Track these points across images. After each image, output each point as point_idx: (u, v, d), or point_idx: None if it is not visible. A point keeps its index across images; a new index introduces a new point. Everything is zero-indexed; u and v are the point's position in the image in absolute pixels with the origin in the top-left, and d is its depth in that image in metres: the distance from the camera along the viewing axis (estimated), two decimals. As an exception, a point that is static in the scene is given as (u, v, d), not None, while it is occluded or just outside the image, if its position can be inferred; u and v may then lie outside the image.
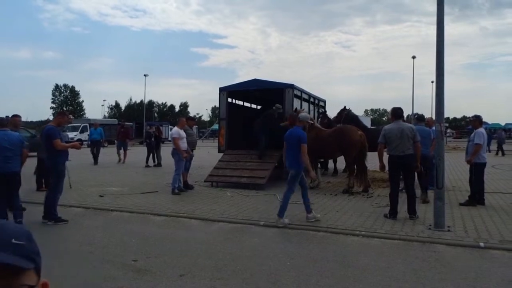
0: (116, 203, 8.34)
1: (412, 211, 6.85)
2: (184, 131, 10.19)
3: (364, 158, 9.99)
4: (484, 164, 8.13)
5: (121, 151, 17.99)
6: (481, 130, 8.12)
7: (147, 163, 16.65)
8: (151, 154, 16.98)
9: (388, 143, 6.95)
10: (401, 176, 7.14)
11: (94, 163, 16.55)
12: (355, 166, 10.05)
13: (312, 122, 10.94)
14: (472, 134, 8.24)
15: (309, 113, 13.92)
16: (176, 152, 9.67)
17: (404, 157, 6.83)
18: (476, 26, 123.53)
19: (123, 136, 18.32)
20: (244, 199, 8.80)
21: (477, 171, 8.09)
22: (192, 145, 10.57)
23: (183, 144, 9.68)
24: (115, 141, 18.62)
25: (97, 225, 6.65)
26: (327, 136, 10.27)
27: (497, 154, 24.57)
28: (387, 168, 7.30)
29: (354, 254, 5.09)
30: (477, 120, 8.39)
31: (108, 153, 19.55)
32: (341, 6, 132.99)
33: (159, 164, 16.66)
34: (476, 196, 8.05)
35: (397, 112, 7.20)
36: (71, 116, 7.62)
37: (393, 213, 6.87)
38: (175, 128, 10.22)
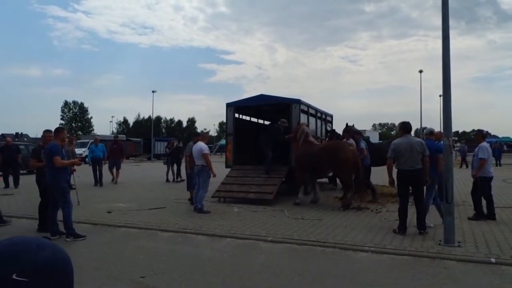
0: (124, 219, 8.36)
1: (421, 226, 6.78)
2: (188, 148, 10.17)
3: (358, 175, 9.55)
4: (490, 179, 8.05)
5: (114, 170, 16.00)
6: (485, 144, 8.08)
7: (179, 178, 16.65)
8: (176, 169, 16.84)
9: (398, 157, 6.92)
10: (410, 191, 7.10)
11: (95, 183, 14.82)
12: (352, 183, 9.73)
13: (306, 136, 10.70)
14: (476, 149, 8.20)
15: (316, 128, 13.95)
16: (205, 169, 9.24)
17: (414, 172, 6.80)
18: (484, 39, 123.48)
19: (116, 153, 16.24)
20: (251, 215, 8.77)
21: (483, 185, 8.01)
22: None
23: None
24: (107, 158, 16.18)
25: (105, 241, 6.66)
26: (318, 151, 10.06)
27: (461, 166, 24.73)
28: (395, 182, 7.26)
29: (363, 270, 5.04)
30: (479, 135, 8.40)
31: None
32: (347, 21, 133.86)
33: (181, 180, 16.33)
34: (485, 211, 7.97)
35: (406, 127, 7.20)
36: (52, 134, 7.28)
37: (402, 228, 6.80)
38: (203, 144, 9.45)
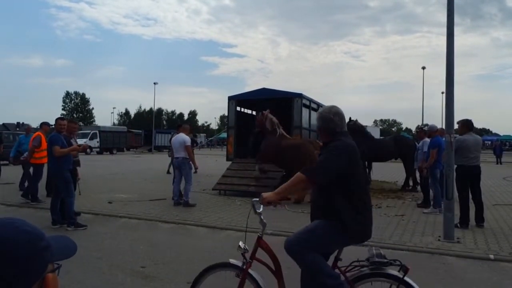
0: (125, 209, 8.40)
1: (480, 220, 7.07)
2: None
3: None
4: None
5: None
6: (427, 140, 9.10)
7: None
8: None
9: (462, 153, 6.95)
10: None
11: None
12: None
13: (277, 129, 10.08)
14: (421, 143, 9.34)
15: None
16: (186, 162, 9.07)
17: (477, 168, 7.04)
18: (488, 37, 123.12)
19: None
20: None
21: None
22: None
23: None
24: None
25: (106, 231, 6.70)
26: (287, 148, 9.63)
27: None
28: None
29: (362, 265, 5.06)
30: (422, 132, 9.93)
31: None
32: (350, 16, 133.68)
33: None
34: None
35: (469, 124, 7.36)
36: (66, 122, 7.02)
37: (464, 222, 6.97)
38: (185, 136, 9.17)
